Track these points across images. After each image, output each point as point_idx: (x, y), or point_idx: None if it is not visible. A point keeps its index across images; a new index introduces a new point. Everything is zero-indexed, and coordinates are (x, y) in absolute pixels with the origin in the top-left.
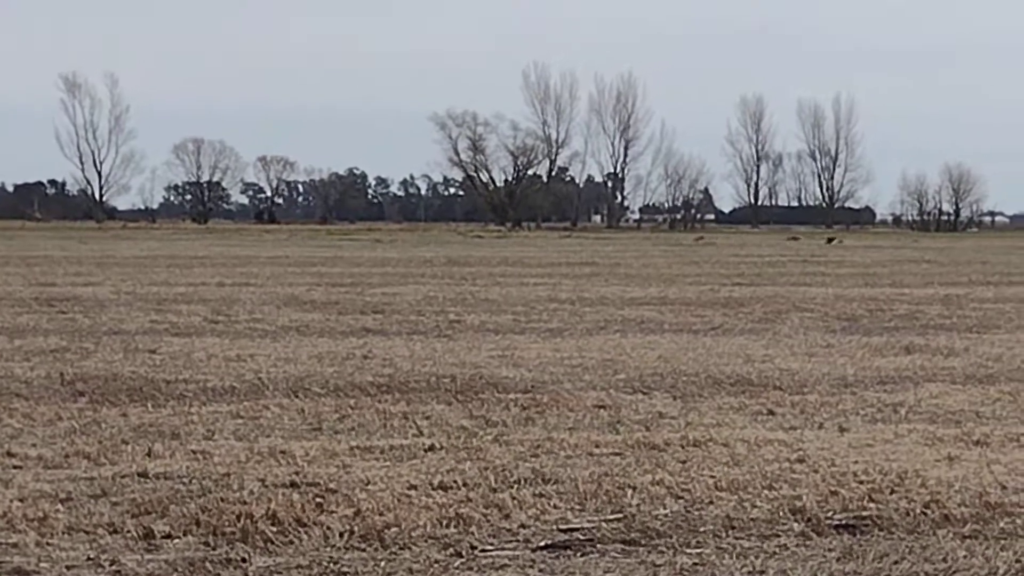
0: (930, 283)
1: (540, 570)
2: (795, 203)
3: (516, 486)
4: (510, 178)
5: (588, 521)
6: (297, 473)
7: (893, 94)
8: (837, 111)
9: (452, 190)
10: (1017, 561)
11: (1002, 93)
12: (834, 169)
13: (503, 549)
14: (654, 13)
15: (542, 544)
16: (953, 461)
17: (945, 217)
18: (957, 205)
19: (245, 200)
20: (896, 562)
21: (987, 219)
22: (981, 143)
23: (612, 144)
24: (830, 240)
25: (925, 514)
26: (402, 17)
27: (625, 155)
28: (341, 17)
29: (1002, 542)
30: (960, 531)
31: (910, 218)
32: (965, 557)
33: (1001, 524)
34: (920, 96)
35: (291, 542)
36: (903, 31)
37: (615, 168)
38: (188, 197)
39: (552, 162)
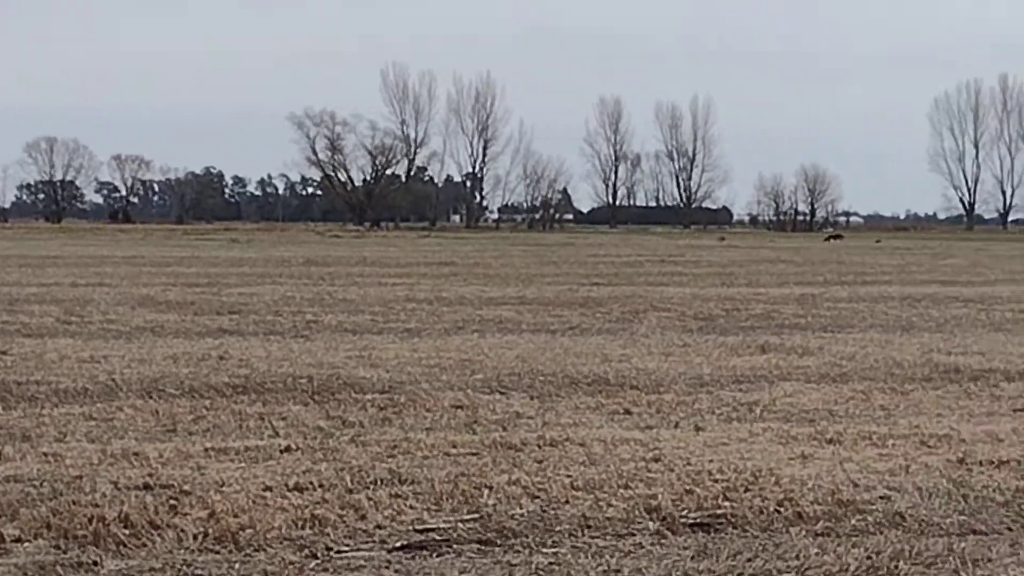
0: (785, 283)
1: (396, 571)
2: (653, 203)
3: (372, 487)
4: (369, 178)
5: (444, 521)
6: (151, 475)
7: (750, 95)
8: (695, 112)
9: (310, 190)
10: (868, 558)
11: (857, 96)
12: (692, 169)
13: (359, 550)
14: (514, 13)
15: (398, 545)
16: (806, 459)
17: (801, 217)
18: (812, 205)
19: (100, 199)
20: (750, 560)
21: (842, 219)
22: (836, 144)
23: (471, 144)
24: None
25: (779, 512)
26: (261, 16)
27: (484, 155)
28: (199, 15)
29: (853, 539)
30: (813, 528)
31: (767, 218)
32: (817, 554)
33: (853, 521)
34: (777, 98)
35: (144, 545)
36: (760, 33)
37: (474, 168)
38: (41, 196)
39: (411, 162)
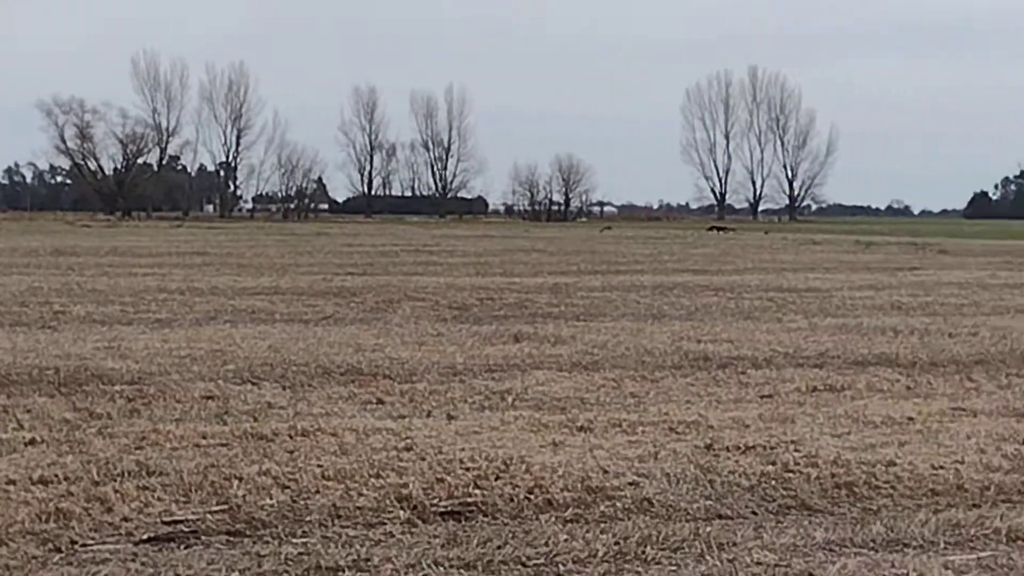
0: (540, 272)
1: (142, 564)
2: (409, 193)
3: (119, 479)
4: (119, 167)
5: (193, 513)
6: None
7: (506, 85)
8: (450, 101)
9: (59, 179)
10: (616, 543)
11: (611, 88)
12: (447, 159)
13: (104, 543)
14: (269, 2)
15: (145, 537)
16: (558, 447)
17: (556, 207)
18: (567, 195)
19: None
20: (499, 547)
21: (596, 209)
22: (592, 135)
23: (224, 133)
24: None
25: (529, 499)
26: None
27: (238, 144)
28: None
29: (602, 525)
30: (562, 515)
31: (522, 208)
32: (566, 540)
33: (602, 508)
34: (532, 89)
35: None
36: (516, 22)
37: (228, 157)
38: None
39: (163, 151)
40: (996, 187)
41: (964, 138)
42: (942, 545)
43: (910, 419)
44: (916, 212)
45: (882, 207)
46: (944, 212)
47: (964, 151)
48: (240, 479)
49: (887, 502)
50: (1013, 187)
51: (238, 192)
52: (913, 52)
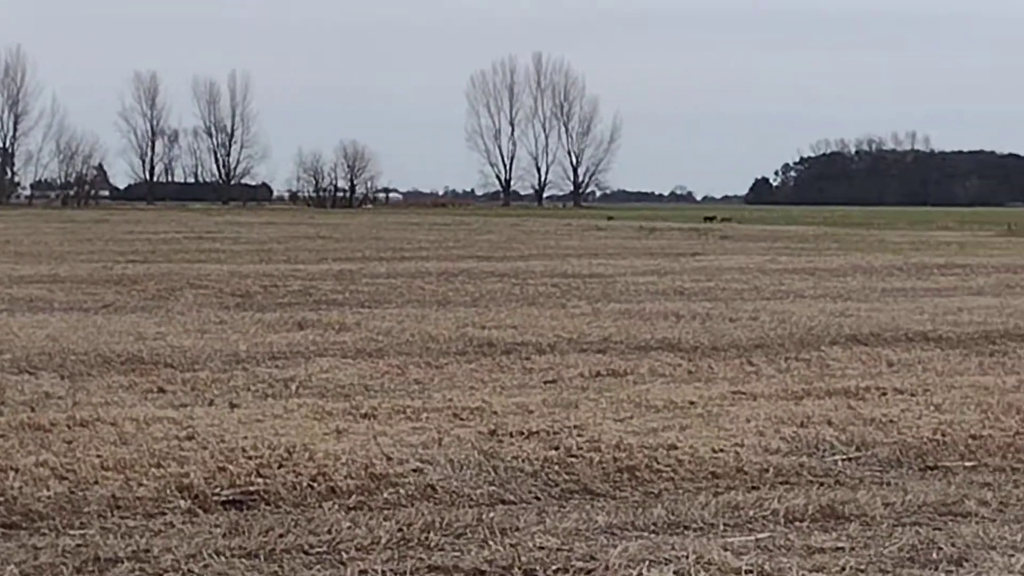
0: (324, 259)
1: None
2: (192, 179)
3: None
4: None
5: None
6: None
7: (289, 71)
8: (232, 88)
9: None
10: (399, 530)
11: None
12: (230, 146)
13: None
14: None
15: None
16: (341, 434)
17: (341, 194)
18: (352, 182)
19: None
20: (282, 535)
21: (382, 196)
22: (376, 121)
23: (1, 119)
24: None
25: (312, 487)
26: None
27: (15, 130)
28: None
29: (385, 512)
30: (346, 503)
31: (307, 194)
32: (349, 528)
33: (385, 495)
34: (316, 74)
35: None
36: (300, 7)
37: (4, 143)
38: None
39: None
40: (776, 173)
41: (746, 125)
42: (721, 527)
43: (691, 403)
44: (699, 198)
45: (665, 193)
46: (726, 198)
47: (746, 138)
48: (16, 470)
49: (668, 485)
50: (793, 173)
51: (16, 179)
52: (697, 41)
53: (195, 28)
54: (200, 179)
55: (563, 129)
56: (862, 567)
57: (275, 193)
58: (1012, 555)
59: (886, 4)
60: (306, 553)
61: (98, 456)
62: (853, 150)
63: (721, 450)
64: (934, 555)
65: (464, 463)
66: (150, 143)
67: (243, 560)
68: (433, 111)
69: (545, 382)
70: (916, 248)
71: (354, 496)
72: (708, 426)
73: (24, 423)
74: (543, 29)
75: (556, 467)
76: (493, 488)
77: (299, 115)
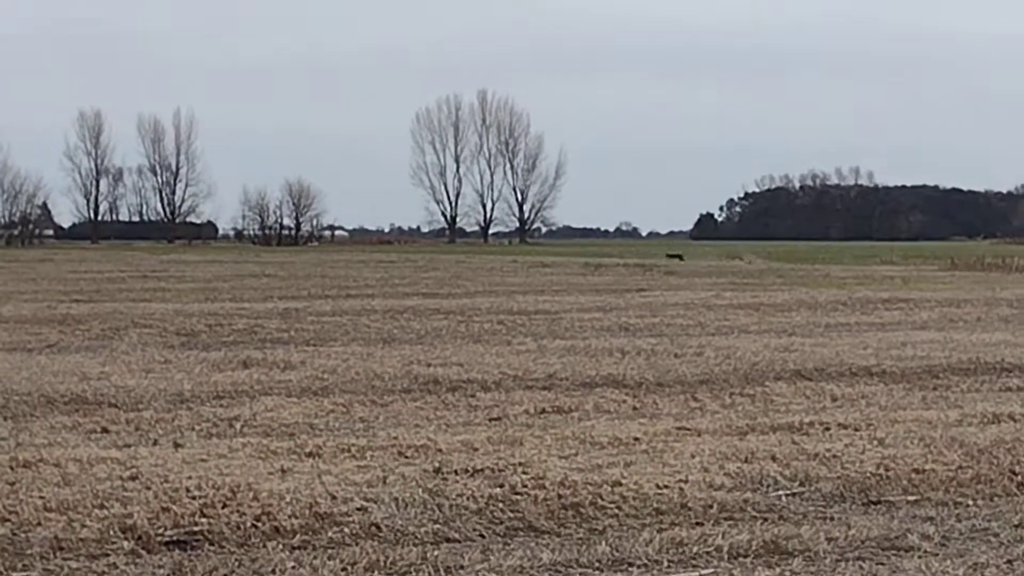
0: (270, 297)
1: None
2: (137, 218)
3: None
4: None
5: None
6: None
7: (235, 109)
8: (177, 125)
9: None
10: (343, 569)
11: (340, 110)
12: (175, 184)
13: None
14: None
15: None
16: (286, 473)
17: (287, 231)
18: (298, 220)
19: None
20: (226, 575)
21: (328, 233)
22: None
23: None
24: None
25: (256, 527)
26: None
27: None
28: None
29: (330, 551)
30: (290, 542)
31: (252, 232)
32: (294, 567)
33: (330, 533)
34: (261, 112)
35: None
36: (243, 44)
37: None
38: None
39: None
40: (721, 209)
41: (690, 161)
42: (665, 564)
43: (636, 439)
44: (644, 234)
45: (611, 229)
46: (672, 234)
47: (690, 174)
48: None
49: (612, 522)
50: (738, 208)
51: None
52: (640, 77)
53: (140, 66)
54: (145, 217)
55: (508, 166)
56: None
57: (220, 231)
58: None
59: (831, 41)
60: None
61: (41, 497)
62: (798, 185)
63: (666, 486)
64: None
65: (409, 501)
66: (95, 182)
67: None
68: (378, 148)
69: (490, 419)
70: (860, 283)
71: (298, 535)
72: (653, 462)
73: None
74: (487, 67)
75: (501, 504)
76: (438, 526)
77: (244, 153)
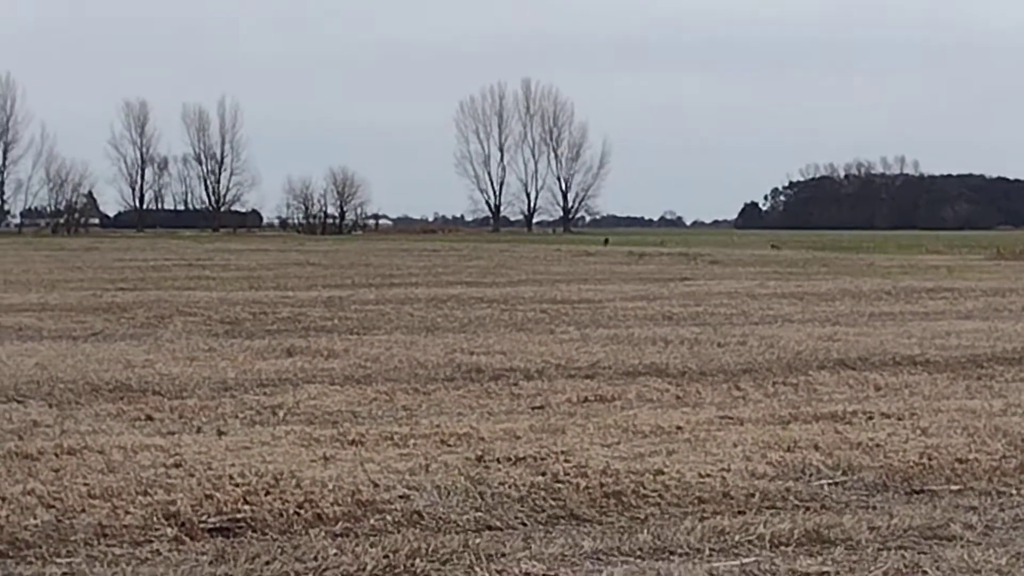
0: (314, 286)
1: None
2: (182, 207)
3: None
4: None
5: None
6: None
7: (279, 98)
8: (222, 115)
9: None
10: (385, 556)
11: (386, 99)
12: (220, 173)
13: None
14: (35, 12)
15: None
16: (328, 461)
17: (331, 220)
18: (342, 208)
19: None
20: (268, 563)
21: (372, 222)
22: (366, 148)
23: None
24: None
25: (298, 514)
26: None
27: (4, 159)
28: None
29: (372, 539)
30: (332, 529)
31: (296, 221)
32: (336, 555)
33: (372, 521)
34: (307, 101)
35: None
36: (287, 35)
37: None
38: None
39: None
40: (766, 198)
41: (735, 150)
42: (707, 552)
43: (679, 428)
44: (688, 223)
45: (655, 218)
46: (716, 223)
47: (735, 163)
48: (3, 499)
49: (654, 510)
50: (782, 197)
51: (5, 207)
52: (686, 66)
53: (185, 56)
54: (190, 206)
55: (552, 155)
56: None
57: (265, 220)
58: None
59: (876, 31)
60: None
61: (85, 484)
62: (842, 174)
63: (708, 475)
64: None
65: (451, 489)
66: (140, 171)
67: None
68: (423, 137)
69: (533, 408)
70: (905, 272)
71: (341, 523)
72: (695, 451)
73: (12, 452)
74: (531, 56)
75: (543, 493)
76: (479, 514)
77: (289, 142)
